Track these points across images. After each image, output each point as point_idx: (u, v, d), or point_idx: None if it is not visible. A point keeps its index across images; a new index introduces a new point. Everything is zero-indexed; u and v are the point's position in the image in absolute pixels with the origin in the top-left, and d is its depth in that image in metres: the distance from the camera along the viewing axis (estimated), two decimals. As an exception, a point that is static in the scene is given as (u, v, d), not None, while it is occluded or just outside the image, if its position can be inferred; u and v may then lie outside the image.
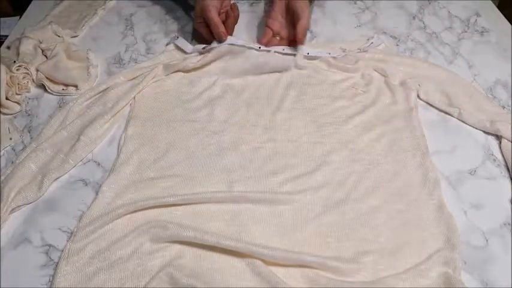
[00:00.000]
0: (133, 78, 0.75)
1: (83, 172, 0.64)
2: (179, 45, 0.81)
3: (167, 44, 0.83)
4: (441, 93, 0.72)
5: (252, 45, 0.77)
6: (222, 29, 0.77)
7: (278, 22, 0.80)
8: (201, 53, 0.78)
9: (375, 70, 0.75)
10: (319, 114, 0.70)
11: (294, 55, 0.77)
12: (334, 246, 0.54)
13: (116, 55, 0.83)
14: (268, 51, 0.77)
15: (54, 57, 0.77)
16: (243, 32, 0.86)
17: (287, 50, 0.78)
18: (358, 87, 0.74)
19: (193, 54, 0.79)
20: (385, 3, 0.93)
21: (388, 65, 0.76)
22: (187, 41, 0.82)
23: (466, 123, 0.69)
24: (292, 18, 0.78)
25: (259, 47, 0.77)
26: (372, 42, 0.81)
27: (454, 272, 0.51)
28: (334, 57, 0.77)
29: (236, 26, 0.87)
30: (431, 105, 0.71)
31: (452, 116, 0.70)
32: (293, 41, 0.78)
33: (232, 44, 0.77)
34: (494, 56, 0.81)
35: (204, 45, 0.78)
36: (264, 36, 0.79)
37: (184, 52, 0.80)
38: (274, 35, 0.80)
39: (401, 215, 0.57)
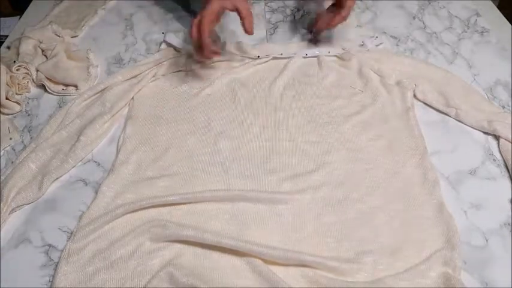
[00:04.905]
0: (132, 78, 0.75)
1: (83, 172, 0.64)
2: (169, 41, 0.82)
3: (161, 43, 0.83)
4: (438, 93, 0.72)
5: (250, 55, 0.78)
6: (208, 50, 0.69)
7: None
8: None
9: (371, 69, 0.76)
10: (317, 114, 0.70)
11: (292, 58, 0.78)
12: (334, 246, 0.54)
13: (116, 55, 0.83)
14: (267, 56, 0.78)
15: (54, 57, 0.78)
16: (243, 32, 0.86)
17: (285, 54, 0.78)
18: (356, 87, 0.74)
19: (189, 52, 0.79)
20: (385, 3, 0.93)
21: (384, 65, 0.76)
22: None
23: (464, 123, 0.69)
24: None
25: (258, 56, 0.77)
26: (377, 37, 0.81)
27: (454, 272, 0.51)
28: (330, 55, 0.78)
29: (236, 27, 0.87)
30: (428, 105, 0.72)
31: (449, 116, 0.70)
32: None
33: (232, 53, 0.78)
34: (494, 56, 0.81)
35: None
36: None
37: (177, 49, 0.80)
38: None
39: (401, 215, 0.57)
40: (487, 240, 0.55)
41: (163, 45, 0.82)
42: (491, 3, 0.95)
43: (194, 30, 0.67)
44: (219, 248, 0.53)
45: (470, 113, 0.68)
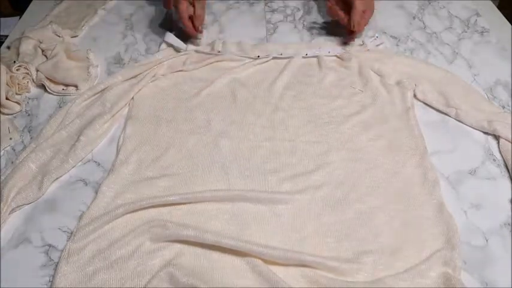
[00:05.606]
0: (132, 78, 0.75)
1: (83, 172, 0.64)
2: (170, 42, 0.82)
3: (161, 43, 0.83)
4: (438, 93, 0.72)
5: (250, 55, 0.78)
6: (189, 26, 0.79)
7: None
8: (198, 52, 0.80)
9: (371, 70, 0.76)
10: (317, 114, 0.70)
11: (292, 58, 0.78)
12: (334, 246, 0.54)
13: (116, 55, 0.83)
14: (267, 56, 0.78)
15: (54, 57, 0.78)
16: (243, 32, 0.86)
17: (285, 54, 0.78)
18: (356, 87, 0.74)
19: (189, 52, 0.79)
20: (385, 3, 0.93)
21: (384, 65, 0.76)
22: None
23: (464, 123, 0.69)
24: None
25: (258, 56, 0.78)
26: (377, 37, 0.81)
27: (454, 272, 0.51)
28: (330, 55, 0.78)
29: (236, 26, 0.87)
30: (428, 105, 0.72)
31: (449, 116, 0.70)
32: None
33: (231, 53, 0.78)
34: (494, 56, 0.81)
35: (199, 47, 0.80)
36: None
37: (177, 49, 0.81)
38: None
39: (401, 215, 0.57)
40: (487, 240, 0.55)
41: (163, 45, 0.82)
42: (491, 3, 0.95)
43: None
44: (219, 248, 0.53)
45: (470, 113, 0.68)
